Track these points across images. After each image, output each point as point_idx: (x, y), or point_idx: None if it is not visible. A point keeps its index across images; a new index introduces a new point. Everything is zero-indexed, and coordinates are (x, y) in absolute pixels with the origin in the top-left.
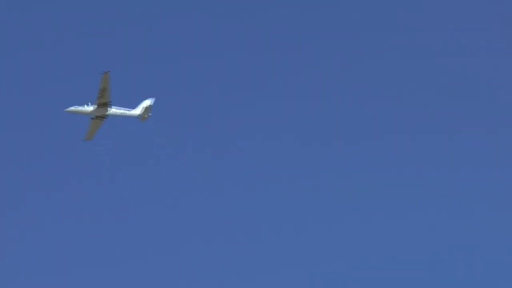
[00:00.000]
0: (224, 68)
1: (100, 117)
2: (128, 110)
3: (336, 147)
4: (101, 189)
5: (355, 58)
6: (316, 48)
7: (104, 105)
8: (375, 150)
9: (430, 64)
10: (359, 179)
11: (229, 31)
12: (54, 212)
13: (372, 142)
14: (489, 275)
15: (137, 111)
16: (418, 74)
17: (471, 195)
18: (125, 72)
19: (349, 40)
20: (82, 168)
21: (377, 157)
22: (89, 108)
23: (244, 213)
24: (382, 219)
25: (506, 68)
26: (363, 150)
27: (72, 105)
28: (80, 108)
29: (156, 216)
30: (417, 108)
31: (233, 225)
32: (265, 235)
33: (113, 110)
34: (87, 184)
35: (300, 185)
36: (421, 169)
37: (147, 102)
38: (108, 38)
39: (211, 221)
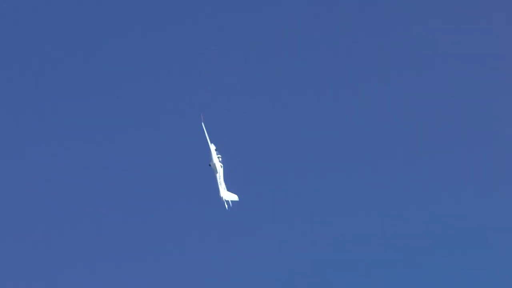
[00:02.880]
0: None
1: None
2: (222, 187)
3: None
4: None
5: None
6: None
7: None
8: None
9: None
10: None
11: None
12: None
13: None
14: None
15: (225, 194)
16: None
17: None
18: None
19: None
20: None
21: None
22: (213, 158)
23: None
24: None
25: None
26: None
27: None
28: (212, 153)
29: None
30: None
31: None
32: None
33: (218, 175)
34: None
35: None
36: None
37: (232, 196)
38: None
39: None
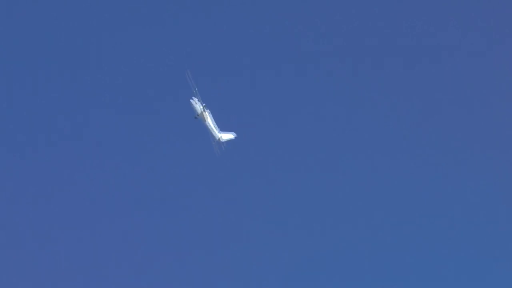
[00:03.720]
0: None
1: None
2: (215, 129)
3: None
4: None
5: None
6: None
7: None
8: None
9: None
10: None
11: None
12: None
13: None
14: None
15: (220, 135)
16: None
17: None
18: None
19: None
20: None
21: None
22: (198, 109)
23: None
24: None
25: None
26: None
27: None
28: (195, 106)
29: None
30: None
31: None
32: None
33: (208, 122)
34: None
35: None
36: None
37: (229, 136)
38: None
39: None
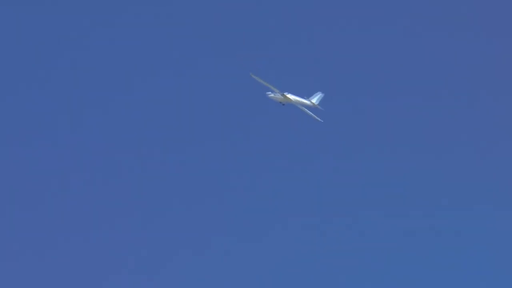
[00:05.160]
0: None
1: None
2: (304, 100)
3: None
4: None
5: None
6: None
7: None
8: None
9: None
10: None
11: None
12: None
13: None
14: None
15: (312, 100)
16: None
17: None
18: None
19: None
20: None
21: None
22: (278, 95)
23: None
24: None
25: None
26: None
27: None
28: (274, 96)
29: None
30: None
31: None
32: None
33: (292, 97)
34: None
35: None
36: None
37: (317, 97)
38: None
39: None
